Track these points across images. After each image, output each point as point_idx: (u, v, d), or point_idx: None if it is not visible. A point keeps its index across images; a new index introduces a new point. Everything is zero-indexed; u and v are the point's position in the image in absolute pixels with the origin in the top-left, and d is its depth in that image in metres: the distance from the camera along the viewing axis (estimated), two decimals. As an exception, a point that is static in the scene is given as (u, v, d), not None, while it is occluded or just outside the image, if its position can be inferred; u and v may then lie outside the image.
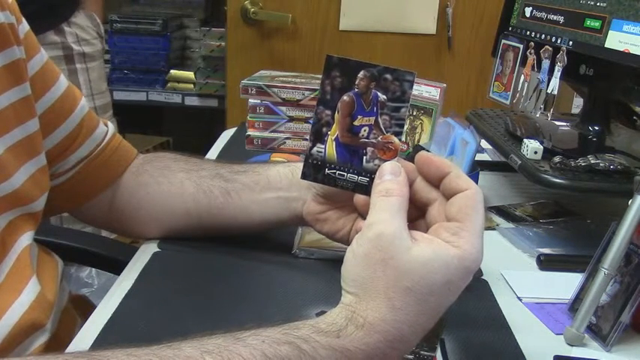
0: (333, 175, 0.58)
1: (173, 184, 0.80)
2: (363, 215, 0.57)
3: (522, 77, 1.02)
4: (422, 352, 0.61)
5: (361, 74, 0.56)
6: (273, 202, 0.76)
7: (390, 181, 0.53)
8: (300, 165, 0.69)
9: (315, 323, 0.49)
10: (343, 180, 0.58)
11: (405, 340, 0.50)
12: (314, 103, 1.25)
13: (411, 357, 0.60)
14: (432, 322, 0.51)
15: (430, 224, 0.54)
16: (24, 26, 0.72)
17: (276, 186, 0.76)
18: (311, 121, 0.59)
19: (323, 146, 0.58)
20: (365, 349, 0.49)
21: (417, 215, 0.56)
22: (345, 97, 0.57)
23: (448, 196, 0.53)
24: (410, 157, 0.64)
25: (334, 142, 0.58)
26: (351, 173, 0.58)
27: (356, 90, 0.56)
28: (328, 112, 0.58)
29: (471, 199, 0.52)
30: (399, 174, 0.54)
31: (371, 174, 0.57)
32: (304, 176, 0.60)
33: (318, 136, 0.58)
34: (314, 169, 0.59)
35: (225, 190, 0.78)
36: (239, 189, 0.77)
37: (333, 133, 0.57)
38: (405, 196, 0.53)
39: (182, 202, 0.79)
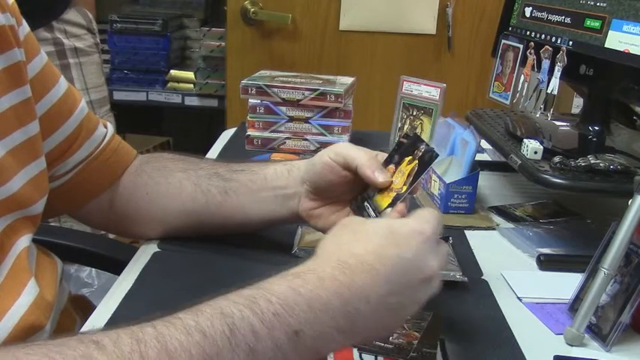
0: (365, 207, 0.70)
1: (171, 184, 0.80)
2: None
3: (522, 77, 1.02)
4: (424, 350, 0.62)
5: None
6: (270, 200, 0.77)
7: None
8: (298, 162, 0.72)
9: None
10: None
11: (358, 288, 0.52)
12: (314, 103, 1.26)
13: (414, 354, 0.61)
14: (376, 267, 0.53)
15: None
16: (24, 28, 0.71)
17: (272, 184, 0.76)
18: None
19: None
20: (317, 290, 0.50)
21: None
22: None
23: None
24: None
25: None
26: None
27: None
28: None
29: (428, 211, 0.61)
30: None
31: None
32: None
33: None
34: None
35: (222, 188, 0.78)
36: (236, 187, 0.78)
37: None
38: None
39: (180, 202, 0.79)
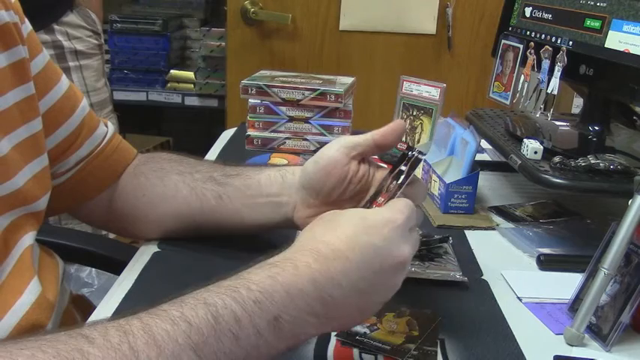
0: None
1: (167, 187, 0.80)
2: None
3: (522, 77, 1.02)
4: (424, 347, 0.62)
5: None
6: (264, 207, 0.77)
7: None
8: (293, 167, 0.70)
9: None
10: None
11: (332, 273, 0.53)
12: (314, 103, 1.26)
13: (415, 352, 0.61)
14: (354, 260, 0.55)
15: None
16: (27, 26, 0.72)
17: (266, 191, 0.76)
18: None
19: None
20: (293, 279, 0.52)
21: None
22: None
23: None
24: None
25: None
26: None
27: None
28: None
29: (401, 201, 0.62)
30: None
31: None
32: None
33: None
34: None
35: (217, 193, 0.78)
36: (230, 192, 0.78)
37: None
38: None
39: (175, 206, 0.80)
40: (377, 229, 0.56)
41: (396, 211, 0.59)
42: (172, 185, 0.80)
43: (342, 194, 0.71)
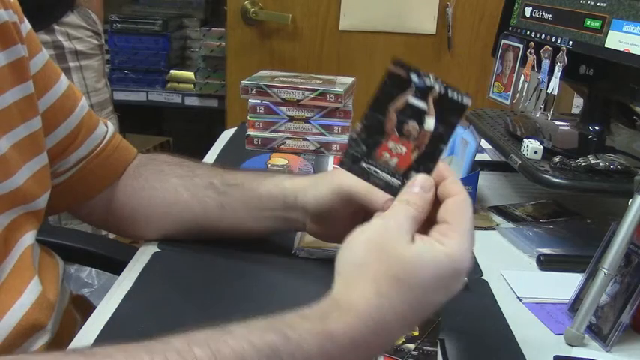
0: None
1: (167, 191, 0.80)
2: None
3: (522, 77, 1.02)
4: (425, 348, 0.62)
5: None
6: (270, 219, 0.77)
7: (417, 195, 0.53)
8: (293, 187, 0.70)
9: (300, 310, 0.50)
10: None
11: (389, 329, 0.50)
12: (314, 103, 1.25)
13: (415, 353, 0.61)
14: (418, 316, 0.52)
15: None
16: (26, 25, 0.72)
17: (270, 206, 0.76)
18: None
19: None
20: (349, 333, 0.49)
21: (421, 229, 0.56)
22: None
23: (441, 199, 0.54)
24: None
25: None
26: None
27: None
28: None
29: (460, 202, 0.53)
30: (429, 191, 0.53)
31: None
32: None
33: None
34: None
35: (219, 203, 0.78)
36: (233, 204, 0.77)
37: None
38: (424, 213, 0.53)
39: (177, 211, 0.80)
40: (449, 281, 0.51)
41: (467, 253, 0.51)
42: (172, 189, 0.80)
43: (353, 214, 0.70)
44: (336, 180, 0.71)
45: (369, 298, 0.49)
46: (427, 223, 0.53)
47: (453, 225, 0.52)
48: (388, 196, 0.55)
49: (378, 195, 0.60)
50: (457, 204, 0.53)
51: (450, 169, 0.55)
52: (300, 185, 0.74)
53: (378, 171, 0.56)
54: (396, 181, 0.55)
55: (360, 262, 0.51)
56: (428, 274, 0.50)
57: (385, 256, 0.50)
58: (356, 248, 0.52)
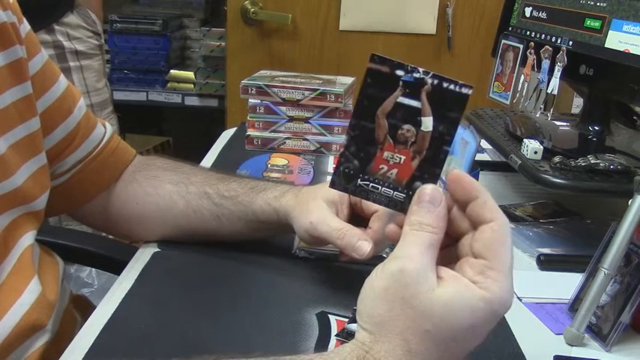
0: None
1: (162, 198, 0.80)
2: (394, 244, 0.49)
3: (522, 77, 1.02)
4: None
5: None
6: (267, 231, 0.78)
7: (427, 213, 0.47)
8: (283, 205, 0.70)
9: (325, 354, 0.47)
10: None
11: None
12: (314, 103, 1.25)
13: None
14: None
15: (460, 255, 0.50)
16: (25, 26, 0.72)
17: (265, 221, 0.76)
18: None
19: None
20: None
21: (447, 242, 0.50)
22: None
23: (473, 224, 0.49)
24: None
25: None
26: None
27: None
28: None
29: (496, 232, 0.47)
30: (438, 204, 0.48)
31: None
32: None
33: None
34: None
35: (215, 214, 0.78)
36: (228, 215, 0.78)
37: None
38: (440, 232, 0.48)
39: (173, 217, 0.80)
40: (484, 327, 0.46)
41: (502, 289, 0.45)
42: (167, 196, 0.80)
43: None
44: (313, 216, 0.68)
45: (399, 358, 0.45)
46: (446, 237, 0.48)
47: (491, 262, 0.46)
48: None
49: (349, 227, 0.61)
50: (495, 234, 0.47)
51: (479, 186, 0.49)
52: (290, 205, 0.73)
53: (378, 186, 0.50)
54: (399, 195, 0.49)
55: (385, 315, 0.46)
56: (463, 324, 0.45)
57: (411, 311, 0.45)
58: (378, 301, 0.46)
